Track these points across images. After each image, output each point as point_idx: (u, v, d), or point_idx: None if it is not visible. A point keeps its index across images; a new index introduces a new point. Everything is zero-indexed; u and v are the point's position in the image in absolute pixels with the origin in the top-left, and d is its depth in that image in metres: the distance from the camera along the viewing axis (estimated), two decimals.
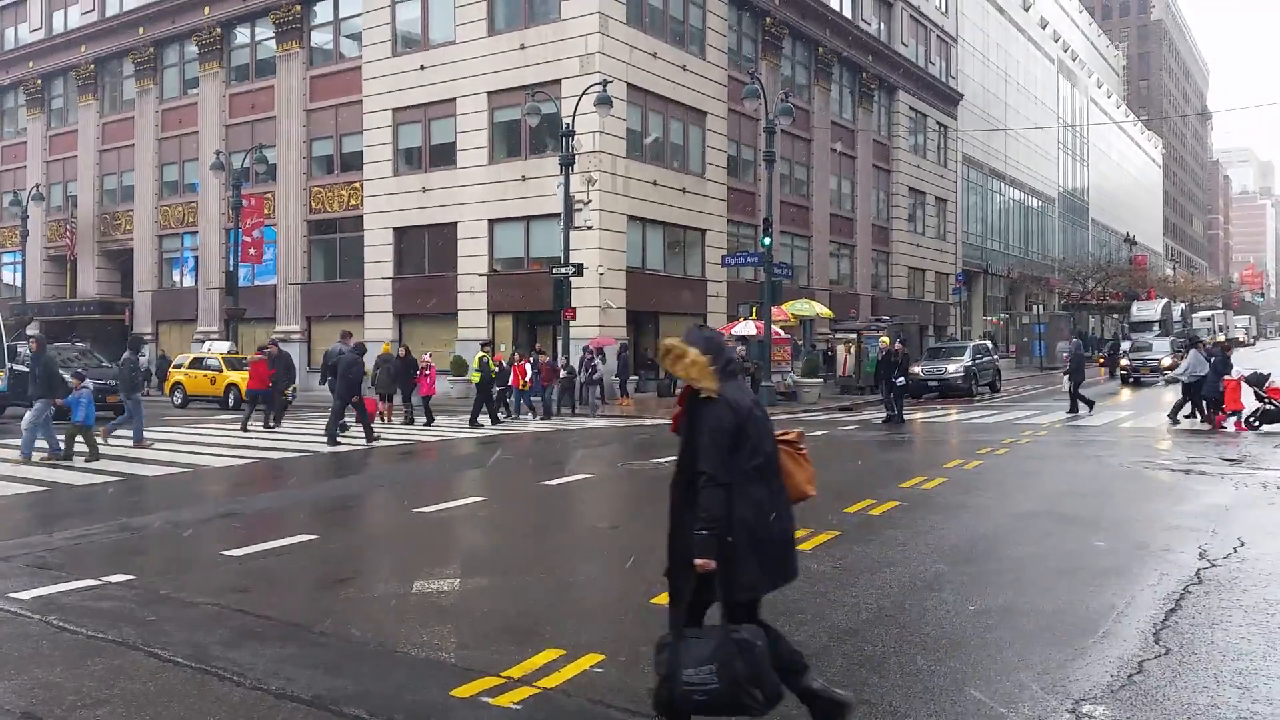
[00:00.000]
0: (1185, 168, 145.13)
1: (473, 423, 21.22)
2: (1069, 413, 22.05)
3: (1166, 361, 34.33)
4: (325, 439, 16.94)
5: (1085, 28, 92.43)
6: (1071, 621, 6.07)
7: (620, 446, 17.65)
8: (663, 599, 6.58)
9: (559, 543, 9.25)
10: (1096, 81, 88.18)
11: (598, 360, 25.44)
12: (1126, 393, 32.31)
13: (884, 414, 21.47)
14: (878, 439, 18.33)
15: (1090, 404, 22.59)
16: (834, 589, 6.91)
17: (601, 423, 22.56)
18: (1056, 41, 75.60)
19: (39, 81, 44.08)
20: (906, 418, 21.64)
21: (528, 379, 23.77)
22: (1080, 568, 7.52)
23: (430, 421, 21.64)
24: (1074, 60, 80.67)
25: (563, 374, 24.75)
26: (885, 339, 26.76)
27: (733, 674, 3.88)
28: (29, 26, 44.87)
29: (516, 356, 24.71)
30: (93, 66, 41.92)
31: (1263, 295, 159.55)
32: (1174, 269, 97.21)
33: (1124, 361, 36.96)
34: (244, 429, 19.46)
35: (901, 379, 21.48)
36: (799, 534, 8.51)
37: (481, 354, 21.70)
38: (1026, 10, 68.36)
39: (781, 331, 29.23)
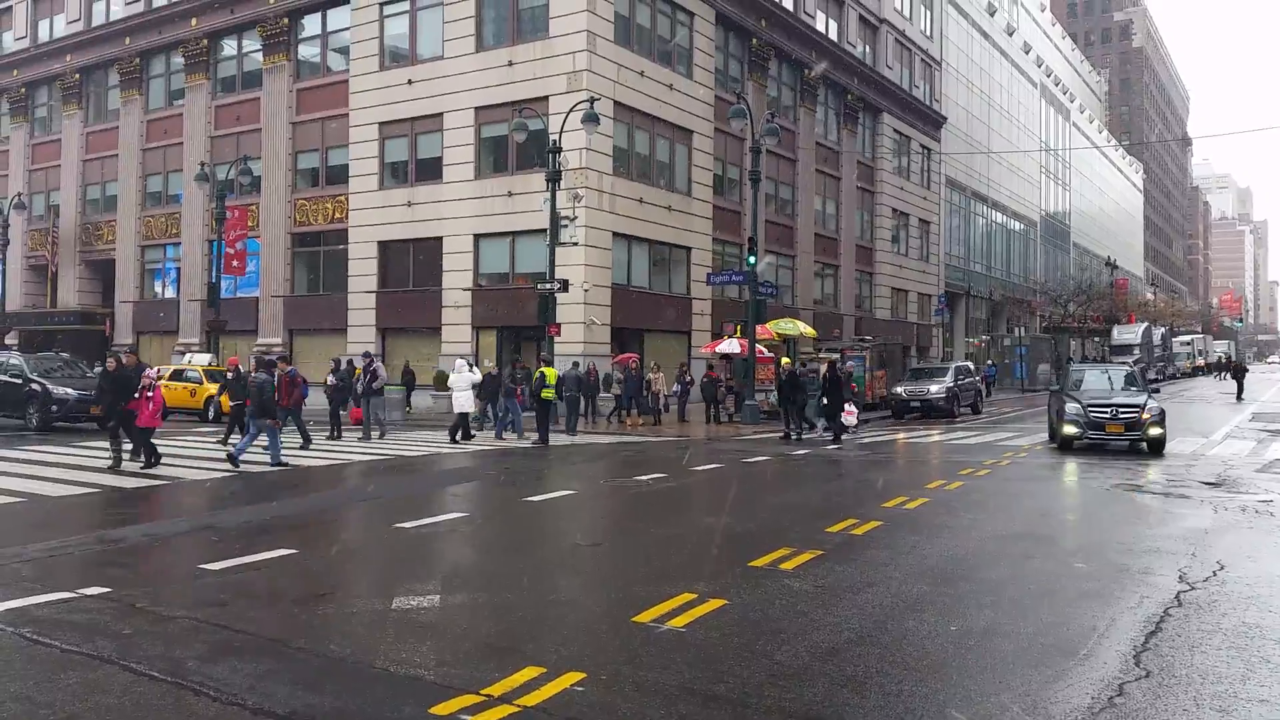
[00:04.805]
0: (1166, 193, 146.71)
1: (544, 441, 20.58)
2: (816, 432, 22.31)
3: (1152, 409, 18.32)
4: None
5: (1068, 53, 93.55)
6: (1052, 643, 6.07)
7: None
8: (645, 617, 6.58)
9: (540, 559, 9.21)
10: (1079, 107, 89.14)
11: (378, 365, 22.41)
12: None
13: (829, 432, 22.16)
14: (860, 458, 18.35)
15: (811, 426, 22.54)
16: (816, 608, 6.90)
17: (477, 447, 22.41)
18: (1040, 66, 76.43)
19: (23, 90, 43.89)
20: (887, 438, 21.77)
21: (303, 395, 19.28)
22: (1061, 589, 7.54)
23: (149, 463, 15.16)
24: (1057, 85, 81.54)
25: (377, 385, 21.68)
26: (786, 360, 27.36)
27: None
28: (13, 35, 44.73)
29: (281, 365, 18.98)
30: (78, 76, 41.77)
31: (1241, 320, 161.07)
32: (1154, 293, 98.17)
33: (1071, 409, 18.68)
34: (225, 443, 19.20)
35: (824, 399, 22.12)
36: (781, 552, 8.58)
37: (545, 369, 21.59)
38: (1010, 35, 69.13)
39: (765, 350, 29.30)
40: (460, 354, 29.71)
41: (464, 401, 20.93)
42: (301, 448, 18.54)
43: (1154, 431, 18.14)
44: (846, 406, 23.41)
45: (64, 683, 5.28)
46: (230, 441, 18.35)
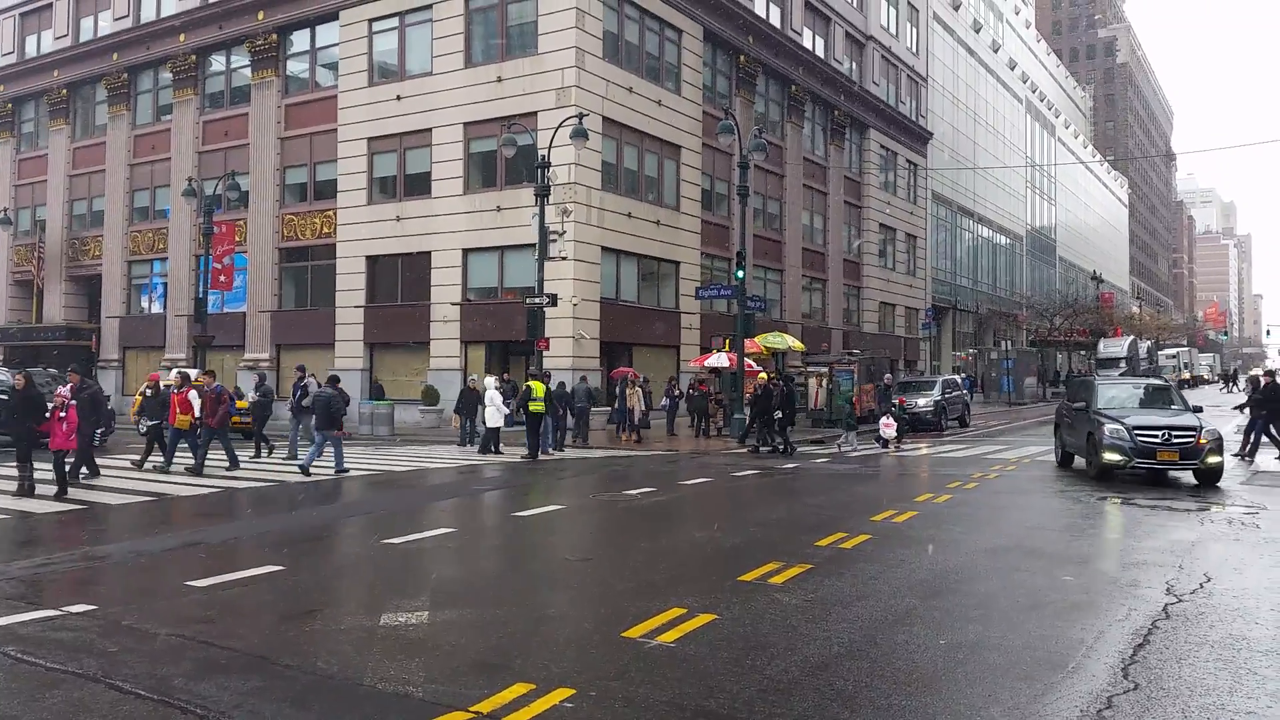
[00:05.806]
0: (1151, 208, 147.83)
1: (533, 456, 20.89)
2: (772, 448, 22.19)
3: (1210, 434, 15.20)
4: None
5: (1053, 70, 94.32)
6: (1041, 656, 6.09)
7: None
8: (635, 632, 6.57)
9: (529, 575, 9.18)
10: (1064, 122, 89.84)
11: (309, 380, 21.68)
12: None
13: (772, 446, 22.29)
14: (849, 471, 18.37)
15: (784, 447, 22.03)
16: (805, 622, 6.90)
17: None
18: (1025, 83, 77.03)
19: (9, 105, 43.75)
20: (876, 452, 21.82)
21: (201, 414, 17.63)
22: (1049, 602, 7.56)
23: (63, 491, 13.72)
24: (1042, 101, 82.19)
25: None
26: (763, 375, 27.53)
27: None
28: (0, 51, 44.61)
29: (179, 380, 18.17)
30: (65, 91, 41.66)
31: (1226, 334, 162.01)
32: (1140, 307, 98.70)
33: (1112, 430, 15.50)
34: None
35: (778, 413, 22.12)
36: (770, 567, 8.57)
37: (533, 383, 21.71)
38: (995, 52, 69.67)
39: (754, 364, 29.33)
40: (451, 368, 30.15)
41: (494, 416, 22.02)
42: (229, 469, 17.52)
43: (1212, 460, 15.02)
44: (884, 419, 23.62)
45: (49, 702, 5.24)
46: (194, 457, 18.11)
